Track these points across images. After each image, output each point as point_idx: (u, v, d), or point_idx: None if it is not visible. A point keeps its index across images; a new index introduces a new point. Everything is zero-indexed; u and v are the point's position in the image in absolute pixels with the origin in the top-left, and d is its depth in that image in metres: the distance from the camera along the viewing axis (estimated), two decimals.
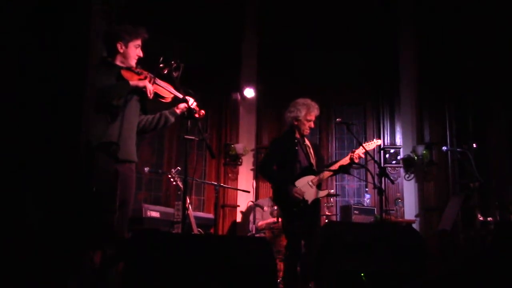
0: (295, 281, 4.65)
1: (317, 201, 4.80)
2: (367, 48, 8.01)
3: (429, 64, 7.67)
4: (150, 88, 3.43)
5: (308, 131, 4.90)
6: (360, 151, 4.80)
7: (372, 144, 5.00)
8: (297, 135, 4.89)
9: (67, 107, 2.37)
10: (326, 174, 4.84)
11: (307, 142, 4.94)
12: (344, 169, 4.89)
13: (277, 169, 4.84)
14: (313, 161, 4.85)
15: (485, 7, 7.14)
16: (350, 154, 4.82)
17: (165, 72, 3.50)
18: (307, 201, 4.66)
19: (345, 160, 4.81)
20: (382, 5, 8.02)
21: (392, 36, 7.96)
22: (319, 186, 4.80)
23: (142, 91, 3.43)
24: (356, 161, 4.79)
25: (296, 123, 4.85)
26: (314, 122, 4.95)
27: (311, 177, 4.74)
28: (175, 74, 3.47)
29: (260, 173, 5.39)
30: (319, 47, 8.00)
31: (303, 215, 4.64)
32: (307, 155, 4.86)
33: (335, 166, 4.85)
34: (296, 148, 4.80)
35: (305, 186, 4.69)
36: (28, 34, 2.32)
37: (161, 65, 3.51)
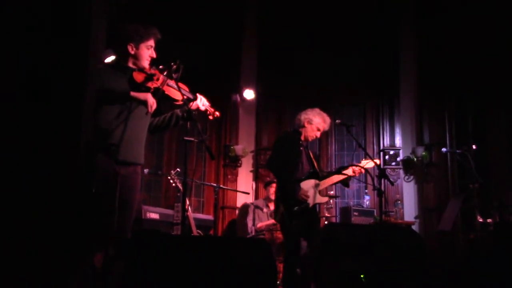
0: (294, 282, 4.64)
1: (315, 205, 4.89)
2: (366, 48, 8.01)
3: (429, 65, 7.66)
4: (152, 101, 3.32)
5: (312, 138, 4.99)
6: (361, 166, 4.89)
7: (370, 163, 5.00)
8: (302, 138, 4.97)
9: (67, 107, 2.36)
10: (328, 182, 4.91)
11: (309, 150, 5.05)
12: (344, 182, 4.99)
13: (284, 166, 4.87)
14: (316, 166, 4.94)
15: (485, 7, 7.15)
16: (352, 168, 4.89)
17: (166, 73, 3.47)
18: (308, 204, 4.71)
19: (348, 172, 4.89)
20: (382, 6, 8.02)
21: (392, 37, 7.95)
22: (320, 192, 4.88)
23: (143, 104, 3.32)
24: (357, 175, 4.90)
25: (306, 125, 4.94)
26: (320, 135, 5.09)
27: (315, 181, 4.83)
28: (174, 76, 3.44)
29: (268, 168, 5.42)
30: (319, 48, 8.00)
31: (302, 216, 4.66)
32: (309, 159, 4.96)
33: (337, 178, 4.91)
34: (301, 149, 4.89)
35: (309, 189, 4.76)
36: (28, 34, 2.32)
37: (161, 66, 3.48)
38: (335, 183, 5.06)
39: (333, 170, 5.29)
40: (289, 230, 4.67)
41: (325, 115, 5.02)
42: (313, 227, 4.80)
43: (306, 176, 4.83)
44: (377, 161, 5.17)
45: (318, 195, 4.83)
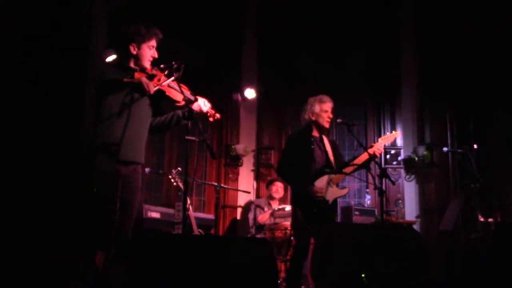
0: (299, 282, 4.60)
1: (335, 200, 4.66)
2: (367, 48, 8.01)
3: (430, 64, 7.66)
4: (146, 81, 3.27)
5: (328, 122, 4.77)
6: (379, 146, 4.67)
7: (391, 137, 4.87)
8: (315, 133, 4.78)
9: (68, 107, 2.37)
10: (346, 171, 4.66)
11: (325, 140, 4.82)
12: (364, 165, 4.71)
13: (294, 169, 4.68)
14: (331, 159, 4.72)
15: (486, 8, 7.14)
16: (368, 149, 4.66)
17: (166, 73, 3.47)
18: (327, 201, 4.53)
19: (365, 156, 4.61)
20: (382, 6, 8.01)
21: (393, 36, 7.95)
22: (337, 185, 4.65)
23: (139, 88, 3.27)
24: (378, 154, 4.67)
25: (314, 118, 4.76)
26: (333, 113, 4.81)
27: (331, 176, 4.60)
28: (175, 75, 3.44)
29: (277, 174, 5.22)
30: (320, 47, 7.99)
31: (323, 215, 4.50)
32: (325, 153, 4.73)
33: (355, 162, 4.65)
34: (312, 147, 4.68)
35: (325, 185, 4.55)
36: (30, 34, 2.32)
37: (162, 65, 3.49)
38: (355, 171, 4.77)
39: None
40: (306, 231, 4.43)
41: (318, 97, 4.81)
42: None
43: (319, 172, 4.60)
44: (398, 133, 4.93)
45: (336, 189, 4.60)
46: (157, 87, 3.36)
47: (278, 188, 7.08)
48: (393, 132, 4.97)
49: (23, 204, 2.27)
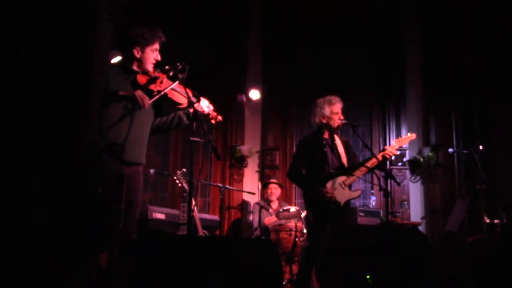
0: (308, 283, 4.59)
1: (347, 202, 4.63)
2: (373, 49, 8.00)
3: (435, 65, 7.64)
4: (139, 94, 3.28)
5: (339, 122, 4.68)
6: (393, 148, 4.62)
7: (406, 139, 4.82)
8: (326, 135, 4.73)
9: (72, 108, 2.37)
10: (358, 173, 4.58)
11: (337, 141, 4.77)
12: (378, 167, 4.63)
13: (306, 172, 4.67)
14: (344, 160, 4.68)
15: (491, 9, 7.12)
16: (382, 152, 4.63)
17: (171, 74, 3.49)
18: (339, 202, 4.50)
19: (378, 158, 4.56)
20: (387, 6, 8.00)
21: (398, 37, 7.94)
22: (350, 187, 4.61)
23: (134, 102, 3.28)
24: (388, 157, 4.62)
25: (324, 121, 4.69)
26: (342, 113, 4.74)
27: (343, 178, 4.56)
28: (180, 76, 3.45)
29: (288, 178, 5.17)
30: (324, 48, 7.99)
31: (335, 217, 4.48)
32: (337, 155, 4.69)
33: (368, 165, 4.57)
34: (325, 149, 4.63)
35: (337, 187, 4.52)
36: (33, 35, 2.33)
37: (166, 67, 3.50)
38: (371, 170, 4.65)
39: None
40: (318, 233, 4.31)
41: (327, 98, 4.75)
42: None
43: (330, 174, 4.57)
44: (414, 136, 4.85)
45: (347, 191, 4.56)
46: (154, 98, 3.37)
47: (273, 190, 7.10)
48: (409, 134, 4.89)
49: (24, 204, 2.28)
